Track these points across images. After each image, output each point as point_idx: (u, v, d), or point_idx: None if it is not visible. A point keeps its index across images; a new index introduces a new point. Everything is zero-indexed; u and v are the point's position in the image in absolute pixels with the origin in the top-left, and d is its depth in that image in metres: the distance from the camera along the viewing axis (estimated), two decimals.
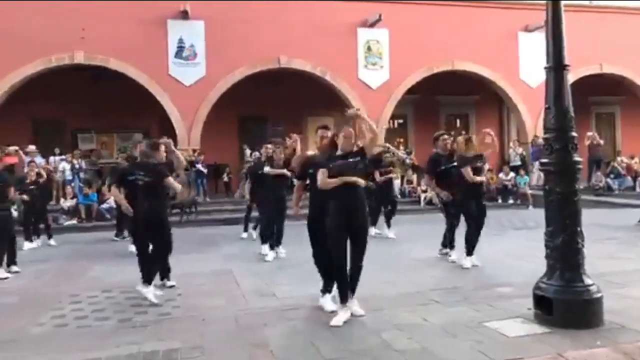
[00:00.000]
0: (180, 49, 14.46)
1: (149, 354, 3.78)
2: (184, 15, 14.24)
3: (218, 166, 15.76)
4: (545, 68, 4.24)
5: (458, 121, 19.42)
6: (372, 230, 8.35)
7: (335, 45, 15.30)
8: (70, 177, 13.65)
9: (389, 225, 9.43)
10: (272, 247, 7.48)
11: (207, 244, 9.20)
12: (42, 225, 9.93)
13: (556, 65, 4.17)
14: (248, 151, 14.10)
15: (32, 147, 13.37)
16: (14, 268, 6.98)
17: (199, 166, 14.39)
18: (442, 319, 4.36)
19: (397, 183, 15.59)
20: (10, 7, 13.20)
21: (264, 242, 7.62)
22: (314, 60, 15.26)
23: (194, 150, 14.34)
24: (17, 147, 9.75)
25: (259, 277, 6.35)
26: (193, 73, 14.49)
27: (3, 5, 13.15)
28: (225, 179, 15.79)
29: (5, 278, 6.49)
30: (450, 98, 18.54)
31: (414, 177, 15.85)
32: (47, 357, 3.78)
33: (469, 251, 6.45)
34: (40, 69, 13.57)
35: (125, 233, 9.32)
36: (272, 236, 7.52)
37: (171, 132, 13.66)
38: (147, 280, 5.24)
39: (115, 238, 9.89)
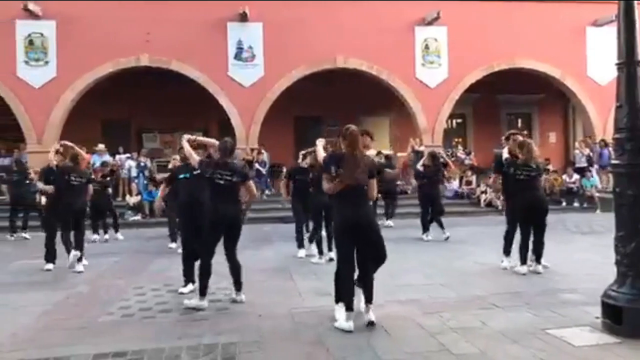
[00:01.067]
0: (240, 50, 14.80)
1: (209, 347, 3.90)
2: (243, 17, 14.55)
3: (275, 165, 15.98)
4: (617, 64, 4.03)
5: (519, 121, 18.77)
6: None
7: (391, 44, 15.16)
8: (135, 175, 14.28)
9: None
10: (320, 251, 7.43)
11: (263, 241, 9.37)
12: (109, 220, 10.50)
13: (628, 61, 3.97)
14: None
15: (101, 146, 14.14)
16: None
17: (258, 165, 14.65)
18: (502, 324, 4.24)
19: (455, 184, 15.32)
20: (82, 14, 13.97)
21: (310, 242, 7.72)
22: (370, 59, 15.19)
23: (252, 149, 14.63)
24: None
25: (315, 276, 6.40)
26: (251, 74, 14.79)
27: (75, 13, 13.93)
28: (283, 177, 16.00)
29: (81, 272, 6.85)
30: (511, 97, 17.95)
31: (474, 178, 15.45)
32: (116, 344, 3.98)
33: (537, 259, 6.18)
34: (109, 71, 14.27)
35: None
36: (318, 239, 7.54)
37: (230, 132, 14.03)
38: (203, 292, 5.00)
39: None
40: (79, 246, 6.97)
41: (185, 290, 5.53)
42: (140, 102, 15.75)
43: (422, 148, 15.10)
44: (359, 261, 4.36)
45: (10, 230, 10.75)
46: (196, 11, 14.36)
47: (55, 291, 5.84)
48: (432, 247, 8.41)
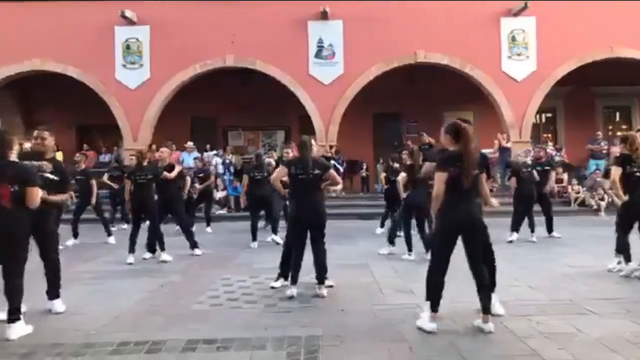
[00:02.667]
0: (320, 48, 14.97)
1: (293, 339, 4.00)
2: (324, 15, 14.70)
3: (354, 162, 16.02)
4: None
5: (617, 114, 17.46)
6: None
7: (475, 37, 14.66)
8: (222, 171, 14.92)
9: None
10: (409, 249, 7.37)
11: (343, 237, 9.43)
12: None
13: None
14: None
15: (190, 144, 14.89)
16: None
17: (335, 163, 14.78)
18: (598, 331, 3.99)
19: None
20: (173, 19, 14.76)
21: (389, 242, 7.71)
22: (452, 53, 14.79)
23: (331, 147, 14.76)
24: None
25: (396, 273, 6.37)
26: (331, 72, 14.92)
27: (167, 19, 14.75)
28: (363, 174, 16.01)
29: (131, 264, 7.21)
30: (608, 89, 16.72)
31: (565, 176, 14.57)
32: (207, 331, 4.19)
33: None
34: (197, 72, 14.98)
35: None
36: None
37: (310, 129, 14.26)
38: (294, 280, 5.28)
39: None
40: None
41: (276, 284, 5.62)
42: (226, 100, 16.42)
43: (509, 144, 14.49)
44: (471, 268, 4.17)
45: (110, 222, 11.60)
46: (278, 11, 14.72)
47: (151, 279, 6.26)
48: (519, 248, 8.05)
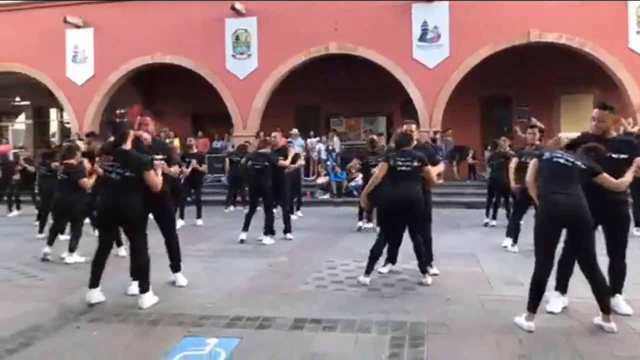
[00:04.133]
0: (424, 31, 14.59)
1: (397, 324, 4.02)
2: None
3: (461, 148, 15.50)
4: None
5: None
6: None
7: (597, 12, 13.44)
8: (325, 157, 15.20)
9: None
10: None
11: (448, 225, 9.21)
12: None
13: None
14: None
15: (295, 131, 15.33)
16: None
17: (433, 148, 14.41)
18: None
19: None
20: (279, 10, 15.17)
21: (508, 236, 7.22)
22: (570, 31, 13.69)
23: (435, 132, 14.41)
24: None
25: (504, 264, 6.13)
26: (436, 55, 14.50)
27: (273, 10, 15.20)
28: (470, 160, 15.46)
29: (242, 241, 7.60)
30: None
31: None
32: (313, 311, 4.35)
33: None
34: (302, 60, 15.31)
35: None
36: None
37: (414, 115, 14.02)
38: (424, 270, 5.27)
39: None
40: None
41: (384, 270, 5.64)
42: (329, 88, 16.65)
43: (635, 129, 13.16)
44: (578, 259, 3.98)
45: (225, 204, 12.32)
46: None
47: (260, 259, 6.59)
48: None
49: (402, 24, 14.65)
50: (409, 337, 3.76)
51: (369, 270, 5.24)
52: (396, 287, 5.12)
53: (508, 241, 7.03)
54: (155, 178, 4.69)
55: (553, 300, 4.26)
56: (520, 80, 15.25)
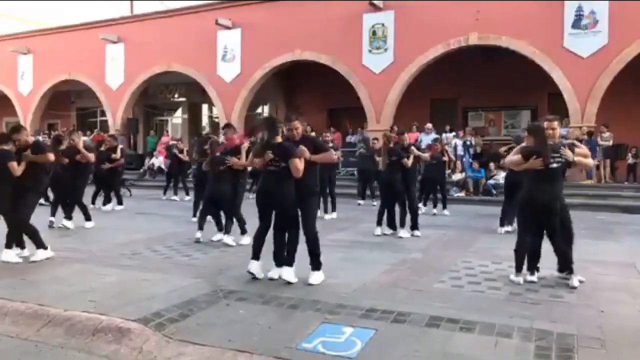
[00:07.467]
0: (579, 17, 13.32)
1: (542, 333, 3.75)
2: None
3: (619, 146, 13.89)
4: None
5: None
6: None
7: None
8: (461, 153, 14.65)
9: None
10: None
11: (602, 230, 8.39)
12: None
13: None
14: None
15: (429, 125, 15.01)
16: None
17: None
18: None
19: None
20: (416, 2, 14.88)
21: None
22: None
23: (588, 128, 13.10)
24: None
25: None
26: (593, 43, 13.16)
27: (411, 2, 14.95)
28: (630, 160, 13.82)
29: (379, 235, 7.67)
30: None
31: None
32: (449, 310, 4.23)
33: None
34: (440, 52, 14.88)
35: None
36: None
37: (562, 109, 12.92)
38: (519, 268, 5.13)
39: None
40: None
41: (535, 278, 5.23)
42: (467, 80, 16.01)
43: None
44: None
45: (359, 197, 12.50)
46: None
47: (394, 253, 6.58)
48: None
49: (552, 11, 13.52)
50: (556, 348, 3.49)
51: (519, 267, 5.11)
52: (541, 294, 4.77)
53: None
54: (299, 164, 4.94)
55: None
56: None
